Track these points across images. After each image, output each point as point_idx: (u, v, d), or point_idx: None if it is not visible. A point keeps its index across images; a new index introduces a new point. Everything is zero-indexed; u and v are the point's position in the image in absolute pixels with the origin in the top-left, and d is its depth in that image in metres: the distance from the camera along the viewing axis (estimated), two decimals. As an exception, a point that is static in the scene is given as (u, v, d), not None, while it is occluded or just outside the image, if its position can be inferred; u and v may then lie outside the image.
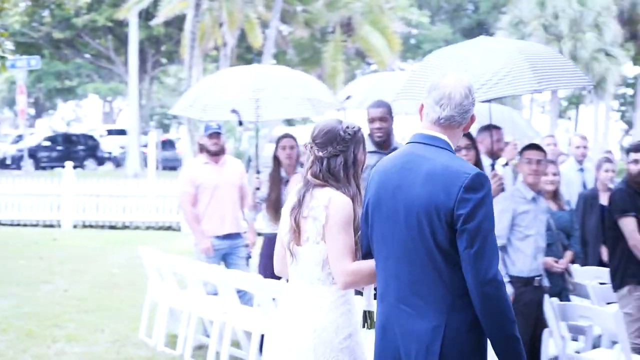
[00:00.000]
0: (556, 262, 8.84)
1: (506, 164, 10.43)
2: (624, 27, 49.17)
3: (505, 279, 7.39)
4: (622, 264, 8.15)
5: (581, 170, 12.02)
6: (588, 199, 10.73)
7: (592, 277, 9.56)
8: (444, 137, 4.30)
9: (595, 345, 8.60)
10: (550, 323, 7.86)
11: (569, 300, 9.00)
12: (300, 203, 4.76)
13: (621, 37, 47.24)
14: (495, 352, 4.15)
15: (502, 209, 7.48)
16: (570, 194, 11.41)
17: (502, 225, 7.46)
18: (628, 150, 8.31)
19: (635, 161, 8.15)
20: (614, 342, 8.17)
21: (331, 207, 4.64)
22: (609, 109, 55.61)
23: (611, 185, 10.79)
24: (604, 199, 10.51)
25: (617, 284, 8.24)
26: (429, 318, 4.13)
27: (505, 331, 4.08)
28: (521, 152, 7.85)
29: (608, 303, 8.84)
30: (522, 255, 7.51)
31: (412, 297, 4.18)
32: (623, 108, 66.10)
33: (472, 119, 4.39)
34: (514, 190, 7.69)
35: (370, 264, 4.52)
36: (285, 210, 4.90)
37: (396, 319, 4.26)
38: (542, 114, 60.47)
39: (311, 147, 4.80)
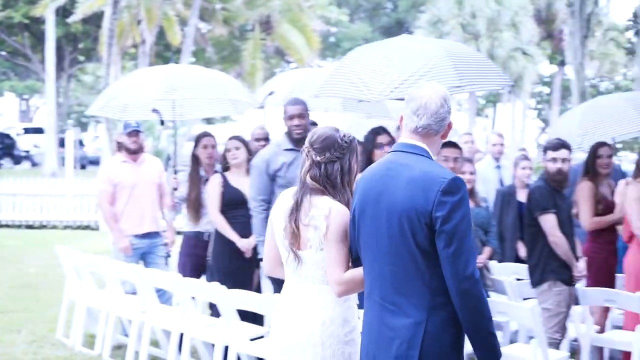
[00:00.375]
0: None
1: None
2: (540, 26, 49.83)
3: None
4: (542, 260, 8.23)
5: (498, 167, 12.13)
6: (505, 195, 10.84)
7: (509, 273, 9.67)
8: (423, 145, 4.51)
9: (512, 341, 8.72)
10: (469, 319, 7.91)
11: (487, 296, 9.07)
12: (297, 207, 4.92)
13: (537, 36, 47.89)
14: (473, 346, 4.38)
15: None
16: (488, 191, 11.52)
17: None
18: (545, 149, 8.39)
19: (554, 159, 8.23)
20: (531, 337, 8.29)
21: (331, 218, 4.82)
22: (525, 107, 56.35)
23: (528, 182, 10.93)
24: (521, 196, 10.63)
25: (536, 280, 8.32)
26: (411, 315, 4.34)
27: (482, 326, 4.32)
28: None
29: (524, 299, 8.94)
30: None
31: (396, 296, 4.41)
32: (539, 106, 66.99)
33: (449, 126, 4.60)
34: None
35: (359, 272, 4.73)
36: (279, 214, 5.05)
37: (380, 316, 4.48)
38: (460, 112, 60.98)
39: (308, 152, 4.97)
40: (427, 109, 4.49)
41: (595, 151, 9.33)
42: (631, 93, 13.26)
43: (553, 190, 8.28)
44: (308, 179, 4.96)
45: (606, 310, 9.23)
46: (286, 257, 5.03)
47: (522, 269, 9.55)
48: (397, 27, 57.10)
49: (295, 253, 4.94)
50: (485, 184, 11.69)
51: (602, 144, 9.36)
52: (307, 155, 4.98)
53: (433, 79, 7.26)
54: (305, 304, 4.95)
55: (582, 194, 9.27)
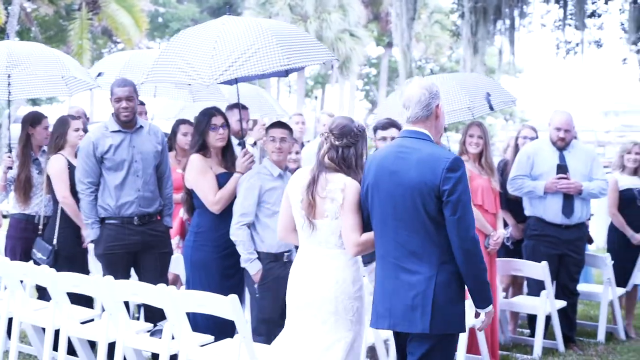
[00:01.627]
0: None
1: (254, 144, 10.55)
2: (368, 8, 50.61)
3: (253, 256, 7.52)
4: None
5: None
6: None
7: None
8: (424, 130, 5.51)
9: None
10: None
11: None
12: (314, 182, 5.83)
13: (365, 18, 48.58)
14: (471, 294, 5.44)
15: (249, 186, 7.54)
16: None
17: (249, 202, 7.52)
18: (375, 128, 8.52)
19: (384, 138, 8.39)
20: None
21: (347, 190, 5.75)
22: (353, 88, 57.07)
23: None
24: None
25: (367, 258, 8.47)
26: (423, 271, 5.35)
27: (480, 277, 5.38)
28: (267, 130, 7.93)
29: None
30: (270, 231, 7.55)
31: (410, 256, 5.39)
32: (367, 87, 67.93)
33: (438, 107, 5.55)
34: (260, 167, 7.72)
35: (370, 236, 5.69)
36: (295, 188, 5.97)
37: (395, 274, 5.44)
38: (290, 93, 61.34)
39: (327, 137, 5.88)
40: (412, 99, 5.50)
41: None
42: (461, 74, 13.56)
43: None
44: (326, 160, 5.85)
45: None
46: (302, 225, 5.92)
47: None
48: (225, 8, 56.96)
49: (310, 221, 5.84)
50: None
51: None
52: (325, 140, 5.88)
53: (261, 59, 7.31)
54: (321, 266, 5.87)
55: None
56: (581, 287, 10.29)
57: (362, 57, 49.16)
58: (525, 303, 9.86)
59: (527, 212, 9.92)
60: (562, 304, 9.65)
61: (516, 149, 10.42)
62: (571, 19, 20.25)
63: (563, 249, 9.69)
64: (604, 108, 75.89)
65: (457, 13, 20.51)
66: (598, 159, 10.07)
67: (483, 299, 5.47)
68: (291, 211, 6.05)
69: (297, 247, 6.35)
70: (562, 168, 9.59)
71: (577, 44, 20.66)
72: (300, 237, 6.03)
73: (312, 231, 5.90)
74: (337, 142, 5.85)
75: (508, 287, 10.63)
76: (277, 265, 7.59)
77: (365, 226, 5.75)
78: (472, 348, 8.71)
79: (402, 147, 5.49)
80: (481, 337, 8.63)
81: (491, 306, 5.51)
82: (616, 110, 78.81)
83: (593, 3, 20.26)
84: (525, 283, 10.62)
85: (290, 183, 6.09)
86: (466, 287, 5.46)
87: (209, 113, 7.96)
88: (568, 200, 9.59)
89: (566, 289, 9.79)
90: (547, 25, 20.78)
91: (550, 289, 9.40)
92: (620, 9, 20.25)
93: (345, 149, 5.85)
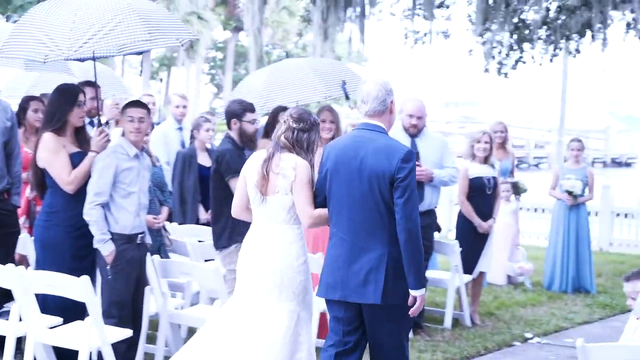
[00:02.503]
0: (155, 218, 8.89)
1: (107, 123, 10.31)
2: (215, -8, 50.31)
3: (107, 236, 7.36)
4: (230, 223, 8.24)
5: (180, 129, 12.10)
6: (186, 157, 10.79)
7: (191, 235, 9.73)
8: (379, 123, 6.21)
9: (194, 302, 8.78)
10: (152, 280, 7.91)
11: (167, 256, 9.10)
12: (269, 159, 6.37)
13: (213, 1, 48.32)
14: (407, 274, 5.94)
15: (104, 165, 7.37)
16: (169, 153, 11.50)
17: (104, 182, 7.35)
18: (244, 110, 8.51)
19: (254, 121, 8.36)
20: (213, 299, 8.39)
21: (298, 169, 6.30)
22: (199, 72, 56.80)
23: (209, 146, 11.00)
24: (201, 159, 10.69)
25: (224, 243, 8.38)
26: (377, 248, 6.00)
27: (417, 258, 5.93)
28: (124, 109, 7.75)
29: (206, 260, 9.03)
30: (125, 212, 7.43)
31: (364, 234, 6.03)
32: (213, 71, 67.70)
33: (392, 102, 6.27)
34: (116, 146, 7.56)
35: (325, 211, 6.26)
36: (252, 167, 6.49)
37: (350, 250, 6.06)
38: (136, 75, 60.60)
39: (286, 120, 6.46)
40: (369, 95, 6.20)
41: (276, 115, 9.50)
42: (317, 60, 13.55)
43: (242, 153, 8.39)
44: (282, 139, 6.41)
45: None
46: (254, 199, 6.43)
47: (203, 231, 9.64)
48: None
49: (262, 194, 6.36)
50: (167, 145, 11.64)
51: (283, 108, 9.54)
52: (284, 122, 6.47)
53: (122, 34, 7.14)
54: (269, 240, 6.39)
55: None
56: (428, 273, 10.39)
57: (209, 41, 49.00)
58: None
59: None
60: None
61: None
62: (420, 9, 20.49)
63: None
64: (446, 99, 77.73)
65: (309, -1, 20.50)
66: (449, 147, 10.19)
67: (418, 281, 5.99)
68: (246, 190, 6.53)
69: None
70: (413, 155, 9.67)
71: (426, 34, 20.93)
72: (254, 212, 6.52)
73: (264, 206, 6.40)
74: (294, 125, 6.42)
75: None
76: (131, 247, 7.50)
77: (321, 204, 6.30)
78: (323, 332, 8.71)
79: (361, 138, 6.18)
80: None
81: (424, 289, 6.08)
82: (457, 102, 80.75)
83: (442, -6, 20.55)
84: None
85: (247, 163, 6.62)
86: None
87: (74, 90, 7.71)
88: (418, 187, 9.62)
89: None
90: (397, 14, 20.98)
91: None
92: (468, 1, 20.58)
93: (300, 132, 6.42)
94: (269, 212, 6.40)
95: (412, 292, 5.99)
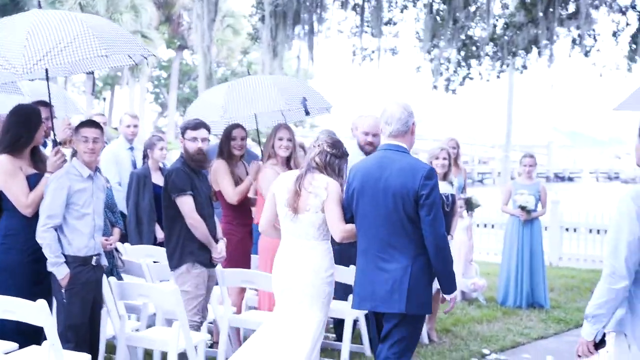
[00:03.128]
0: (106, 240, 8.74)
1: (60, 143, 10.13)
2: (160, 10, 50.18)
3: (60, 259, 7.19)
4: (181, 242, 8.17)
5: (131, 149, 11.96)
6: (140, 177, 10.67)
7: (145, 255, 9.58)
8: (402, 144, 6.66)
9: (150, 324, 8.64)
10: (108, 302, 7.76)
11: (120, 278, 8.96)
12: (303, 177, 6.92)
13: (157, 20, 48.13)
14: (440, 282, 6.56)
15: (56, 187, 7.20)
16: (121, 172, 11.35)
17: (56, 204, 7.18)
18: (185, 128, 8.37)
19: (194, 139, 8.24)
20: (169, 320, 8.26)
21: (329, 188, 6.85)
22: (144, 91, 56.50)
23: (161, 165, 10.86)
24: (155, 178, 10.56)
25: (175, 263, 8.26)
26: (401, 261, 6.45)
27: (447, 267, 6.48)
28: (77, 130, 7.60)
29: (161, 281, 8.90)
30: (79, 234, 7.28)
31: (389, 249, 6.49)
32: (157, 90, 67.40)
33: (413, 124, 6.74)
34: (69, 167, 7.41)
35: (354, 226, 6.76)
36: (282, 187, 7.04)
37: (376, 264, 6.54)
38: (79, 94, 60.03)
39: (320, 144, 7.04)
40: (393, 117, 6.63)
41: (229, 133, 9.42)
42: (279, 77, 13.44)
43: (191, 172, 8.28)
44: (315, 160, 6.98)
45: (242, 290, 9.41)
46: (284, 217, 6.99)
47: (158, 251, 9.51)
48: (12, 5, 55.18)
49: (293, 211, 6.91)
50: (118, 165, 11.50)
51: (235, 126, 9.47)
52: (318, 146, 7.05)
53: (77, 50, 6.97)
54: (300, 255, 6.95)
55: (220, 172, 9.28)
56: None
57: (153, 60, 48.69)
58: (332, 307, 9.74)
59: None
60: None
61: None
62: (368, 26, 20.54)
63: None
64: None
65: (257, 16, 20.46)
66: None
67: (450, 286, 6.58)
68: (275, 208, 7.10)
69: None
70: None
71: (373, 51, 21.01)
72: (283, 230, 7.07)
73: (294, 223, 6.95)
74: (327, 149, 7.01)
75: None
76: (86, 269, 7.35)
77: (349, 221, 6.81)
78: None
79: (385, 159, 6.61)
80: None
81: (456, 292, 6.66)
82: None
83: (389, 11, 20.62)
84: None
85: (278, 182, 7.16)
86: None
87: (37, 111, 7.56)
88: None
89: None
90: (345, 31, 21.01)
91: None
92: (415, 18, 20.71)
93: (333, 157, 7.01)
94: (299, 229, 6.97)
95: (446, 296, 6.64)
